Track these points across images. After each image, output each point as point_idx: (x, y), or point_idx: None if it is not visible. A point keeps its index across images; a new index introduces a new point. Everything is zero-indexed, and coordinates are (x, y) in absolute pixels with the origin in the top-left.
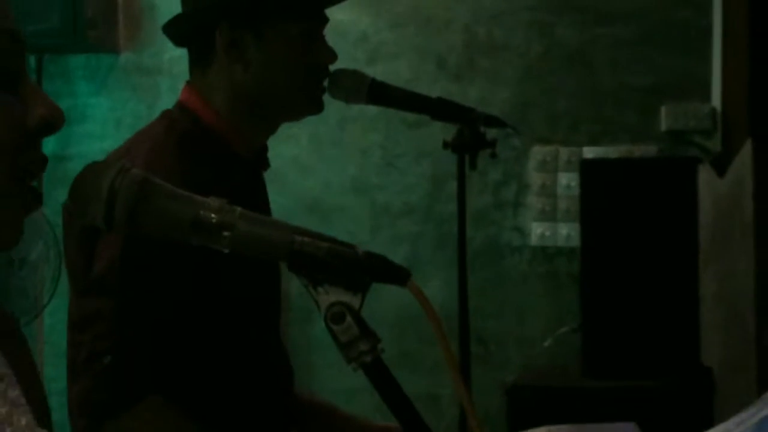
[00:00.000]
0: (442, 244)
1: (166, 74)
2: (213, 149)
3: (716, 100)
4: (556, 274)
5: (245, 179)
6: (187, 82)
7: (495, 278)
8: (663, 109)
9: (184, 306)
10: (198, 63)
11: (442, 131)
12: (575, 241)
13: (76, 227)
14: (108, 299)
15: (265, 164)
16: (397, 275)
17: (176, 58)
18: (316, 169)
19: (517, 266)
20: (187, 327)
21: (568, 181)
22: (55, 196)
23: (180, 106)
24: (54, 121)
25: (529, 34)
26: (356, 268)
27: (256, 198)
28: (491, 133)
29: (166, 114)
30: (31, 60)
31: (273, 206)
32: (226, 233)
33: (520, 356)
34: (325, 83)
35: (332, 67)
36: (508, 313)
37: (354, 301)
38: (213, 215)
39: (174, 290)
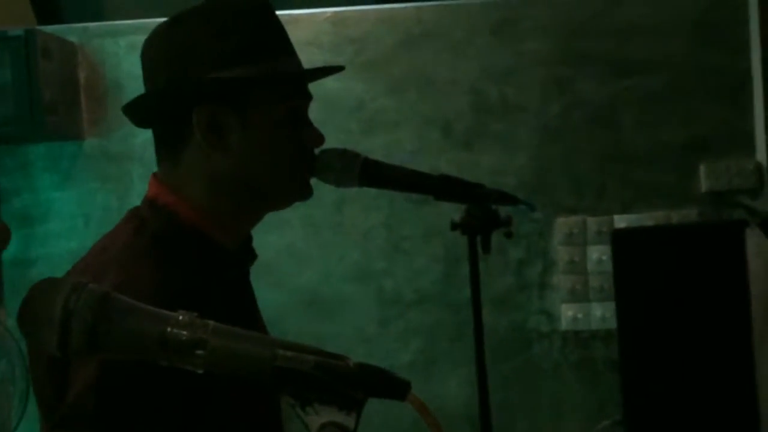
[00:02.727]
0: (461, 335)
1: (137, 160)
2: (194, 247)
3: (761, 154)
4: (592, 360)
5: (235, 275)
6: (154, 174)
7: (523, 369)
8: (702, 168)
9: None
10: (167, 149)
11: (452, 206)
12: (611, 323)
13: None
14: (85, 431)
15: (252, 256)
16: (395, 389)
17: (148, 141)
18: (313, 258)
19: (547, 354)
20: None
21: (599, 255)
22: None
23: (149, 203)
24: None
25: (546, 91)
26: (349, 384)
27: (246, 297)
28: (506, 208)
29: (133, 213)
30: None
31: (266, 303)
32: (199, 351)
33: None
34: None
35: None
36: (540, 407)
37: (348, 421)
38: (183, 332)
39: (162, 417)
